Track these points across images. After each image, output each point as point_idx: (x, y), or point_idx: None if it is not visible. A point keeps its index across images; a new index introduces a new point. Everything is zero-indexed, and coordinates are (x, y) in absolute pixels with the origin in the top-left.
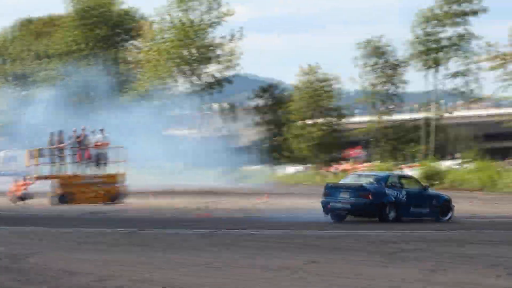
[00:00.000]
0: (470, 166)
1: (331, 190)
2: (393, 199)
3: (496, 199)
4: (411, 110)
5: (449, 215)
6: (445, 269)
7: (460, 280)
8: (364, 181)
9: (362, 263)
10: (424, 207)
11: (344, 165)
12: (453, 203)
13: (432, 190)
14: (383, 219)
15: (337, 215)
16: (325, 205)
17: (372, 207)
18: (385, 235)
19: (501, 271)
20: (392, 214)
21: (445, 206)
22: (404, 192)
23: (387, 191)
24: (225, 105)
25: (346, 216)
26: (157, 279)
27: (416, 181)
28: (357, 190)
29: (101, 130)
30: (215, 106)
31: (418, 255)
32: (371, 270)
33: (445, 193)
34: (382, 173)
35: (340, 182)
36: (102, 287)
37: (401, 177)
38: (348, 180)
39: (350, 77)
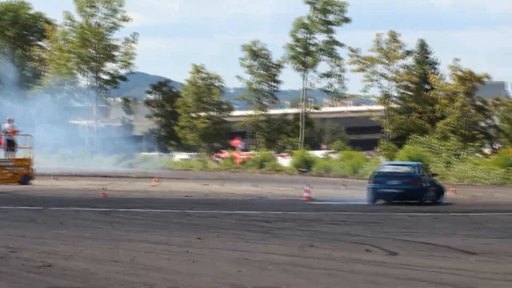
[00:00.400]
0: (336, 155)
1: (380, 178)
2: (428, 184)
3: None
4: (284, 106)
5: (443, 197)
6: (318, 246)
7: (332, 255)
8: (406, 170)
9: (244, 239)
10: (432, 191)
11: (225, 154)
12: (445, 187)
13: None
14: (422, 202)
15: (376, 198)
16: (373, 190)
17: (419, 192)
18: (263, 215)
19: (368, 247)
20: (426, 197)
21: (439, 189)
22: (426, 179)
23: (423, 178)
24: (123, 98)
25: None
26: (60, 251)
27: (427, 169)
28: (406, 177)
29: (10, 120)
30: (113, 99)
31: (293, 233)
32: (251, 245)
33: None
34: (414, 163)
35: (385, 171)
36: (14, 257)
37: (422, 166)
38: (387, 169)
39: (236, 75)
